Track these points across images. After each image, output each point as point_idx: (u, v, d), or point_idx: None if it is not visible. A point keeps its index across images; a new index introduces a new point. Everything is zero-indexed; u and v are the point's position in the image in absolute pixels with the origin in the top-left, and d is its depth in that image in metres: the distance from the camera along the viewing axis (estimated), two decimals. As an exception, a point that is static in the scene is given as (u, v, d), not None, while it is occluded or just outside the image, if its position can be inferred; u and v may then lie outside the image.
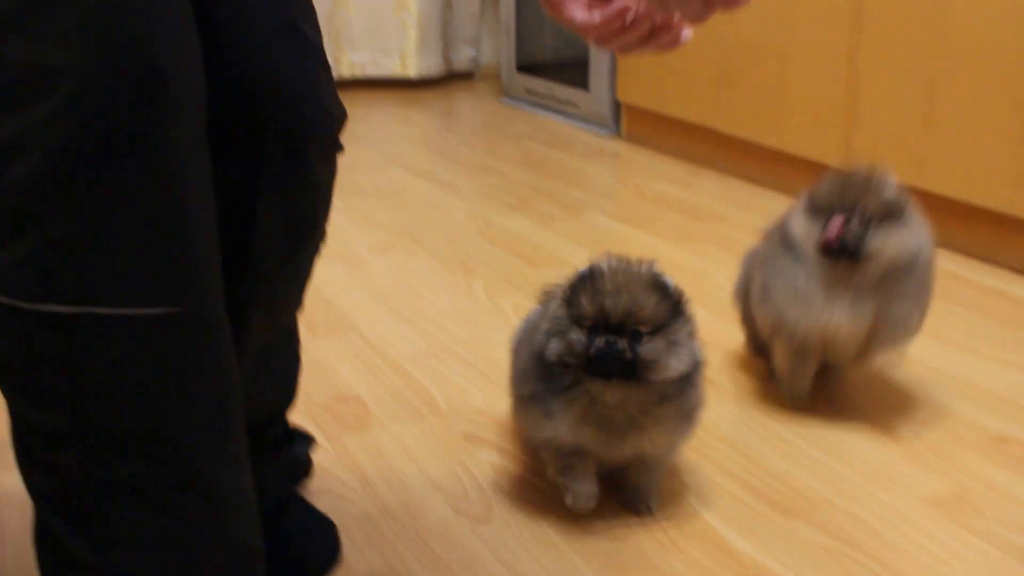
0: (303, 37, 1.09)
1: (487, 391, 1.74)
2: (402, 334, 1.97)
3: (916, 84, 2.39)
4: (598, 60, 3.53)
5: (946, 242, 2.40)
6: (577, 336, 1.26)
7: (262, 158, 1.05)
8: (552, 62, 3.91)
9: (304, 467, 1.44)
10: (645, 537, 1.35)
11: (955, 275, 2.24)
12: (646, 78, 3.31)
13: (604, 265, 1.30)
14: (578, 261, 2.30)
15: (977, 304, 2.10)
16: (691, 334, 1.30)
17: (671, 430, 1.33)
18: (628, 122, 3.49)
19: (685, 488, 1.46)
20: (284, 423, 1.36)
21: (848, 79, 2.57)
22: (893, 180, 1.54)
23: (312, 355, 1.86)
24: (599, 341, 1.24)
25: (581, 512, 1.36)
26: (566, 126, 3.70)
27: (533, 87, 3.97)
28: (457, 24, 4.51)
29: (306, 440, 1.45)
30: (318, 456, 1.54)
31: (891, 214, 1.53)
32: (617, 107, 3.53)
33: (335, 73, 3.90)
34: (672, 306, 1.28)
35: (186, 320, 0.90)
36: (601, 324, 1.25)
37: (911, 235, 1.56)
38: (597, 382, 1.26)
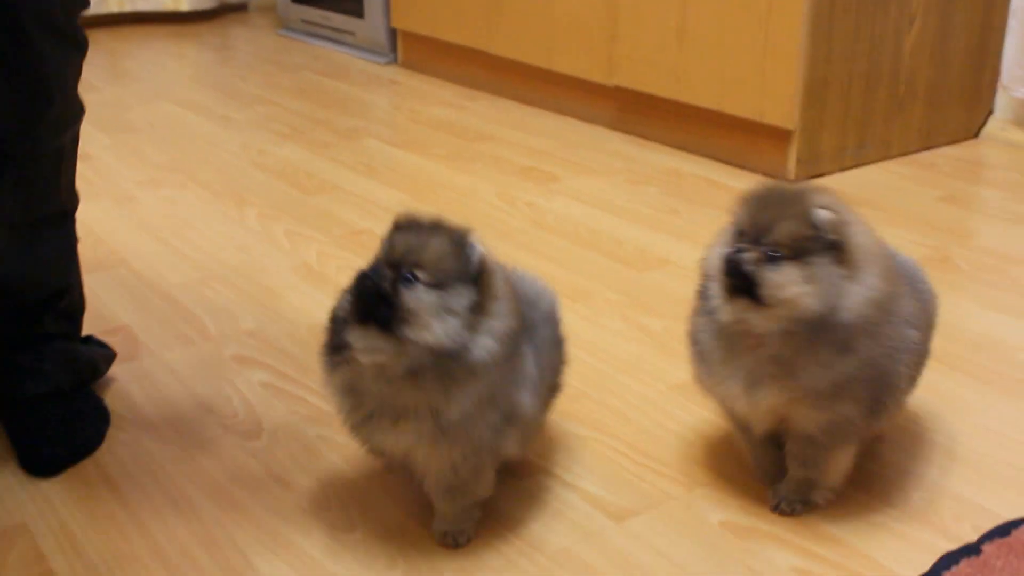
0: None
1: (257, 314, 1.76)
2: (172, 265, 1.96)
3: (669, 0, 2.49)
4: (371, -13, 3.53)
5: (704, 150, 2.53)
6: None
7: None
8: (327, -9, 3.89)
9: (91, 367, 1.50)
10: (410, 439, 1.41)
11: (711, 180, 2.36)
12: (420, 5, 3.33)
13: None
14: (350, 186, 2.35)
15: (729, 206, 2.22)
16: (481, 314, 1.10)
17: (427, 438, 1.12)
18: (404, 49, 3.51)
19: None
20: (66, 317, 1.48)
21: (608, -2, 2.66)
22: (827, 205, 1.14)
23: (79, 291, 1.84)
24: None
25: None
26: (343, 55, 3.69)
27: (309, 17, 3.93)
28: (229, -45, 4.42)
29: (102, 347, 1.55)
30: (85, 387, 1.54)
31: (808, 245, 1.13)
32: (393, 34, 3.54)
33: (103, 9, 3.81)
34: (463, 270, 1.09)
35: None
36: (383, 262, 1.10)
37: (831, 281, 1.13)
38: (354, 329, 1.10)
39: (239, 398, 1.51)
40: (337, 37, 3.80)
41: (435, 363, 1.08)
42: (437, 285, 1.08)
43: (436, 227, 1.12)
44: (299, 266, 1.94)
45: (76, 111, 1.39)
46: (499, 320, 1.11)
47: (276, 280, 1.89)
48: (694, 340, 1.25)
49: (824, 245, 1.12)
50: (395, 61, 3.56)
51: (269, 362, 1.61)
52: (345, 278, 1.68)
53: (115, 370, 1.59)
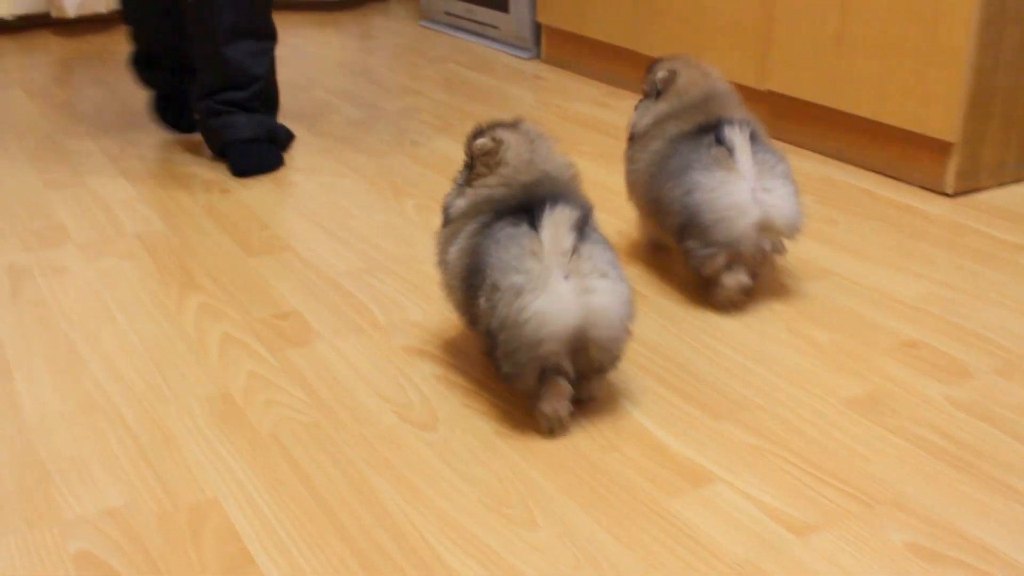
0: None
1: (424, 306, 1.79)
2: (337, 253, 2.00)
3: (829, 4, 2.46)
4: (517, -18, 3.55)
5: (859, 160, 2.50)
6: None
7: None
8: (470, -16, 3.92)
9: (281, 132, 2.57)
10: (584, 439, 1.42)
11: (868, 191, 2.33)
12: (567, 0, 3.34)
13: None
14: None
15: (888, 218, 2.19)
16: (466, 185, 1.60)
17: None
18: (548, 44, 3.53)
19: (620, 394, 1.53)
20: (267, 100, 2.52)
21: (764, 0, 2.64)
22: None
23: (248, 274, 1.90)
24: None
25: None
26: (486, 48, 3.72)
27: (452, 9, 3.97)
28: (372, -55, 4.48)
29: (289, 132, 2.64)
30: (263, 368, 1.58)
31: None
32: (537, 29, 3.56)
33: None
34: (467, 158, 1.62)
35: None
36: None
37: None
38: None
39: (413, 388, 1.54)
40: (480, 30, 3.83)
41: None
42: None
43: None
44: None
45: None
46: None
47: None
48: None
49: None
50: (538, 56, 3.58)
51: (439, 354, 1.63)
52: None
53: (290, 354, 1.63)
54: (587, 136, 2.72)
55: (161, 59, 2.61)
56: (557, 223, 1.34)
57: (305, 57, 3.61)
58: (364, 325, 1.73)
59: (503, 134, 1.54)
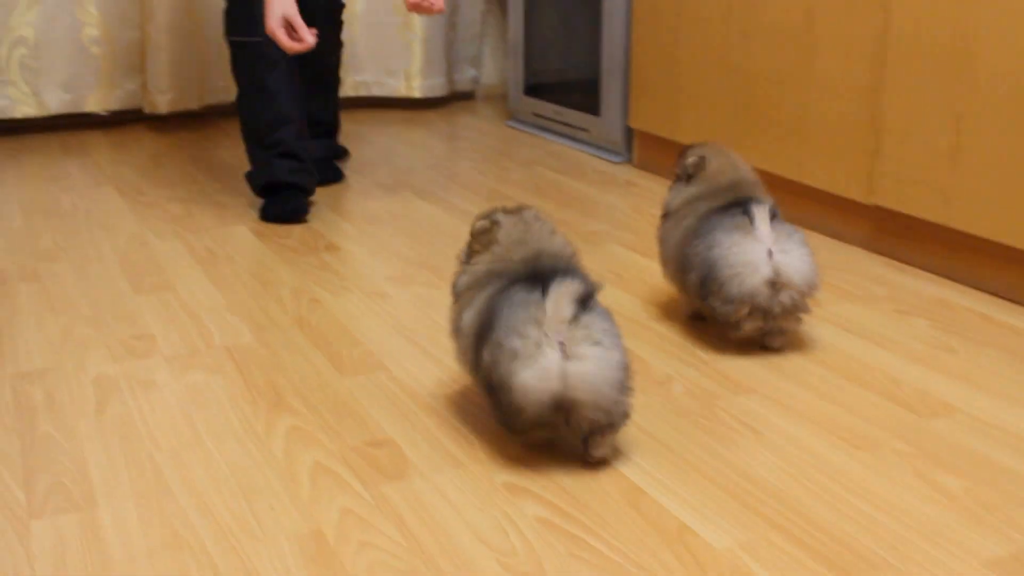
0: None
1: (525, 437, 1.70)
2: (432, 374, 1.92)
3: (942, 117, 2.37)
4: (609, 84, 3.50)
5: (975, 282, 2.37)
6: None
7: None
8: (559, 84, 3.88)
9: (340, 152, 3.44)
10: (703, 599, 1.31)
11: (985, 316, 2.21)
12: (660, 105, 3.28)
13: None
14: (604, 297, 2.28)
15: (1010, 347, 2.07)
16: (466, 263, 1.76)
17: None
18: (640, 149, 3.46)
19: (737, 544, 1.42)
20: (328, 129, 3.33)
21: (871, 111, 2.55)
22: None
23: (340, 396, 1.82)
24: None
25: None
26: (575, 151, 3.66)
27: (541, 111, 3.93)
28: (460, 44, 4.48)
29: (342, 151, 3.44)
30: (357, 505, 1.50)
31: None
32: (629, 133, 3.50)
33: (340, 92, 4.01)
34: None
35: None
36: None
37: None
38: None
39: (515, 532, 1.44)
40: (569, 133, 3.78)
41: None
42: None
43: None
44: (561, 384, 1.87)
45: None
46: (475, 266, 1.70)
47: (539, 399, 1.83)
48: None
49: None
50: (630, 161, 3.51)
51: (543, 494, 1.54)
52: None
53: (385, 489, 1.54)
54: (685, 248, 2.63)
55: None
56: (561, 294, 1.50)
57: (394, 156, 3.59)
58: (462, 458, 1.64)
59: (499, 216, 1.73)
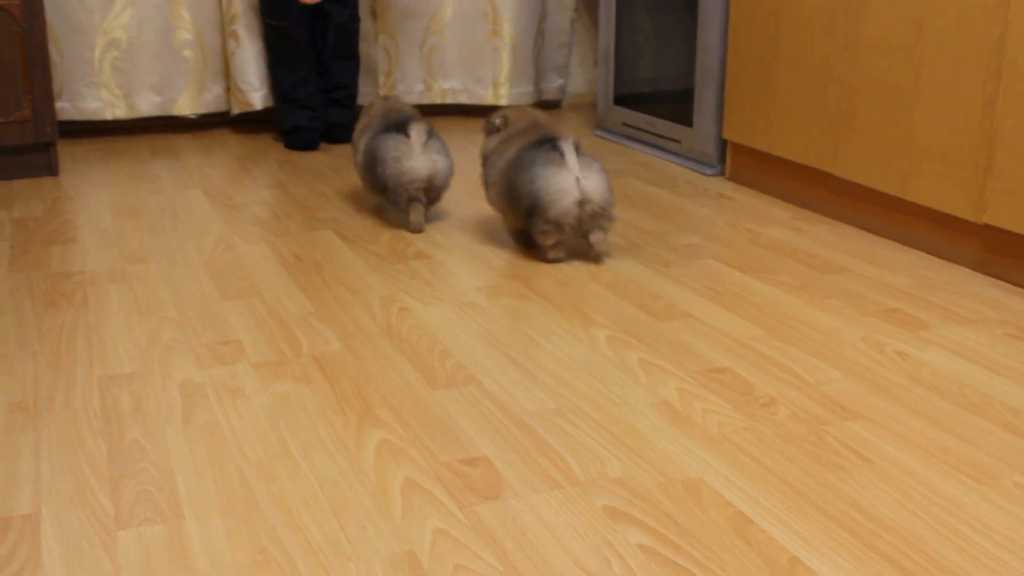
0: None
1: (625, 459, 1.62)
2: (524, 388, 1.86)
3: (1063, 137, 2.25)
4: (703, 94, 3.42)
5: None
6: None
7: None
8: (651, 94, 3.80)
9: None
10: (820, 641, 1.23)
11: (1107, 344, 2.10)
12: (757, 117, 3.19)
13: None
14: (701, 314, 2.20)
15: None
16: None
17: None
18: (734, 162, 3.37)
19: (855, 583, 1.33)
20: (350, 100, 3.93)
21: (984, 126, 2.44)
22: None
23: (433, 409, 1.77)
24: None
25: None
26: (666, 163, 3.58)
27: (631, 120, 3.86)
28: (548, 52, 4.42)
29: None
30: (450, 525, 1.44)
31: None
32: (723, 145, 3.41)
33: (427, 99, 4.06)
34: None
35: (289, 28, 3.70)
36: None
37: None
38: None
39: (617, 561, 1.37)
40: (660, 143, 3.70)
41: None
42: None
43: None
44: (660, 404, 1.80)
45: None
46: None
47: (637, 419, 1.75)
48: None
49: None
50: (722, 173, 3.42)
51: (644, 520, 1.46)
52: (713, 423, 1.58)
53: (479, 509, 1.48)
54: (782, 264, 2.54)
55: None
56: (570, 144, 2.48)
57: (480, 164, 3.53)
58: (559, 478, 1.57)
59: (506, 112, 2.73)
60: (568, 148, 2.46)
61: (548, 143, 2.48)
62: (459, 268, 2.49)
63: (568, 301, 2.27)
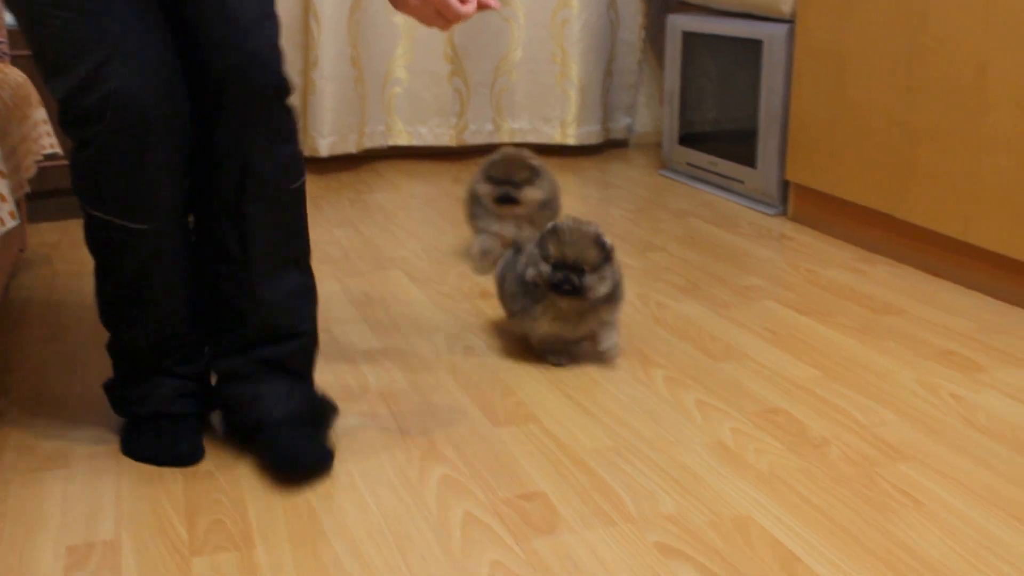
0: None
1: (678, 497, 1.67)
2: (584, 427, 1.92)
3: (1123, 183, 2.27)
4: (767, 135, 3.46)
5: None
6: (545, 268, 2.10)
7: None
8: (715, 135, 3.85)
9: (326, 407, 1.85)
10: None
11: None
12: (820, 159, 3.23)
13: (563, 224, 2.12)
14: (758, 355, 2.25)
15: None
16: (614, 271, 2.13)
17: (607, 312, 2.17)
18: (796, 203, 3.41)
19: (899, 623, 1.37)
20: (307, 357, 1.84)
21: (1044, 173, 2.46)
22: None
23: (493, 446, 1.83)
24: (558, 275, 2.08)
25: (558, 365, 2.20)
26: (729, 203, 3.63)
27: (695, 161, 3.91)
28: (615, 92, 4.49)
29: (325, 399, 1.88)
30: (508, 559, 1.50)
31: (534, 176, 2.81)
32: (785, 186, 3.45)
33: (496, 139, 4.05)
34: (605, 255, 2.10)
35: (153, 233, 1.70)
36: (560, 263, 2.08)
37: (546, 186, 2.84)
38: (558, 297, 2.10)
39: (667, 596, 1.42)
40: (723, 184, 3.75)
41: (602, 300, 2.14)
42: (595, 268, 2.10)
43: (582, 234, 2.11)
44: (714, 444, 1.85)
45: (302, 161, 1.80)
46: (616, 274, 2.15)
47: (691, 458, 1.80)
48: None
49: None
50: (784, 214, 3.46)
51: (695, 556, 1.51)
52: (765, 463, 1.62)
53: (536, 543, 1.54)
54: (843, 306, 2.57)
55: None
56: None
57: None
58: (614, 515, 1.62)
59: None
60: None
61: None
62: (522, 307, 2.55)
63: (628, 342, 2.33)
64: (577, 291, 2.08)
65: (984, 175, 2.63)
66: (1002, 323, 2.47)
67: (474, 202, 2.88)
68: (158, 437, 1.81)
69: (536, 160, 2.82)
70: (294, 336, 1.80)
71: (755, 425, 1.92)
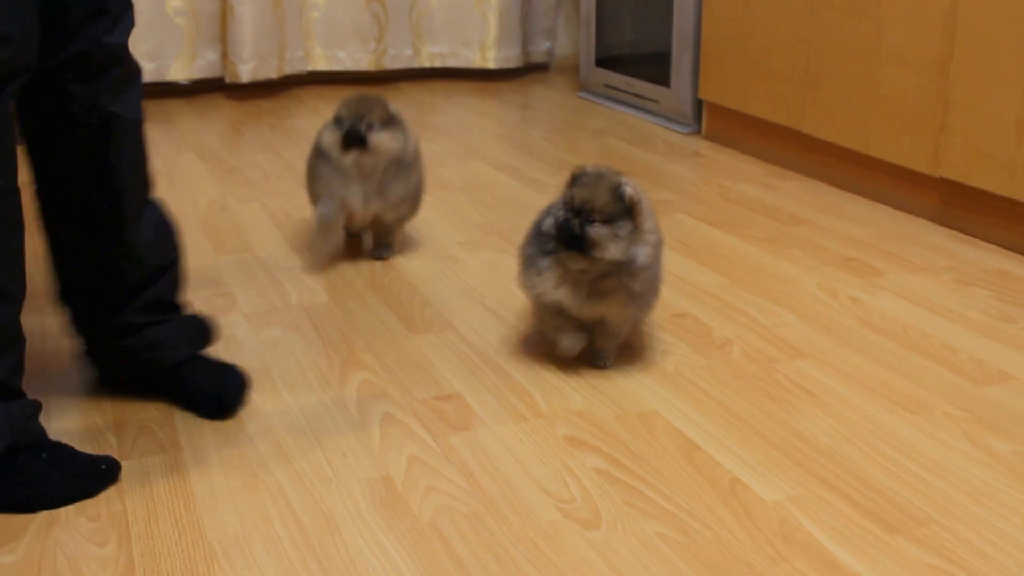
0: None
1: (586, 394, 1.76)
2: (499, 334, 2.00)
3: (1011, 91, 2.37)
4: (680, 56, 3.53)
5: (1040, 255, 2.39)
6: (558, 213, 1.73)
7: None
8: (631, 57, 3.92)
9: (204, 333, 1.78)
10: (753, 549, 1.37)
11: (1048, 289, 2.23)
12: (730, 78, 3.31)
13: (587, 168, 1.76)
14: (669, 264, 2.33)
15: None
16: (634, 235, 1.72)
17: (621, 304, 1.76)
18: (709, 121, 3.50)
19: (789, 499, 1.47)
20: (173, 290, 1.75)
21: (940, 85, 2.56)
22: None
23: (412, 353, 1.90)
24: (560, 215, 1.71)
25: (566, 356, 1.86)
26: (645, 122, 3.70)
27: (612, 82, 3.98)
28: (535, 16, 4.53)
29: (204, 319, 1.80)
30: (424, 453, 1.58)
31: (390, 122, 2.27)
32: (699, 105, 3.54)
33: (416, 63, 4.00)
34: (623, 208, 1.70)
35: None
36: (570, 207, 1.71)
37: (402, 137, 2.29)
38: (560, 250, 1.73)
39: (575, 482, 1.51)
40: (639, 104, 3.82)
41: (617, 268, 1.72)
42: (607, 221, 1.69)
43: (600, 179, 1.72)
44: (622, 346, 1.93)
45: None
46: (650, 235, 1.75)
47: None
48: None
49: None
50: (698, 132, 3.55)
51: (602, 447, 1.60)
52: (671, 363, 1.70)
53: (451, 439, 1.62)
54: (751, 219, 2.67)
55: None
56: None
57: (466, 126, 3.65)
58: (526, 412, 1.71)
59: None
60: None
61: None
62: (441, 224, 2.61)
63: (543, 254, 2.40)
64: (578, 242, 1.69)
65: (883, 90, 2.73)
66: (900, 231, 2.59)
67: (316, 158, 2.34)
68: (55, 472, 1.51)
69: (396, 109, 2.32)
70: (167, 269, 1.73)
71: (661, 328, 2.02)
